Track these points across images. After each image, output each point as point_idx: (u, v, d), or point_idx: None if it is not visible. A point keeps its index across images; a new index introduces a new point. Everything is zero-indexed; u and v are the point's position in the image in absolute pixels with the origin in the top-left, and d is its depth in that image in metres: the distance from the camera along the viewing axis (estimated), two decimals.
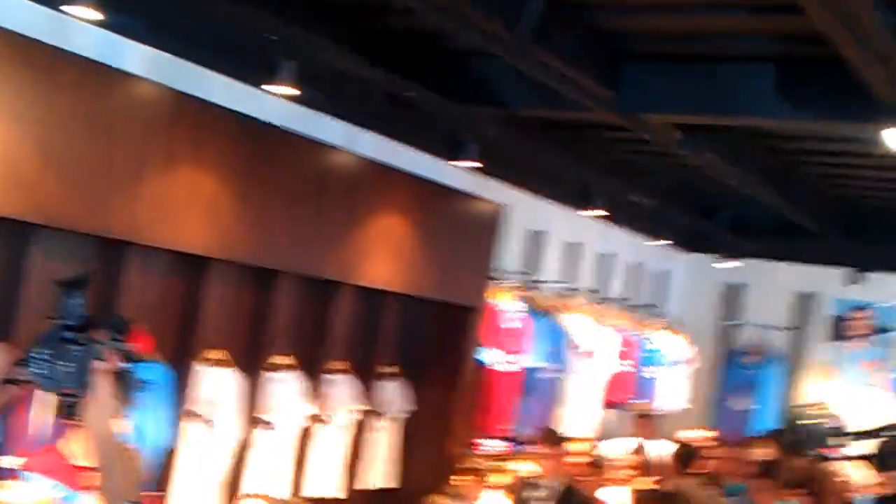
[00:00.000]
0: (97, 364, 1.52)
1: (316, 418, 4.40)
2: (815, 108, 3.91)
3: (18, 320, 3.24)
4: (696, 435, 6.15)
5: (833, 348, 7.68)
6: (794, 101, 3.87)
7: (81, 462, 3.25)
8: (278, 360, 4.24)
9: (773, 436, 5.55)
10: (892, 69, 3.22)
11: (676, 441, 5.48)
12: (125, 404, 1.57)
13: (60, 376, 1.49)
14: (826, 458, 5.09)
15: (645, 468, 4.87)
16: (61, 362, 1.49)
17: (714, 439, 6.36)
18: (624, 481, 4.98)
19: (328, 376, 4.49)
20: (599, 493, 4.66)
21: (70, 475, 3.17)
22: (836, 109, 3.86)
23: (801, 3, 2.85)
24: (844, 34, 2.99)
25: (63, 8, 3.16)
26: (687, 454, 4.85)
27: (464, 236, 5.01)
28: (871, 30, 2.91)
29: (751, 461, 4.78)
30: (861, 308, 7.60)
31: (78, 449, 3.23)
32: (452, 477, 4.74)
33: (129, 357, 1.56)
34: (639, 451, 5.90)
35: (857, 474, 4.00)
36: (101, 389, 1.52)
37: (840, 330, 7.67)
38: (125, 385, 1.56)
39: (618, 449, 5.76)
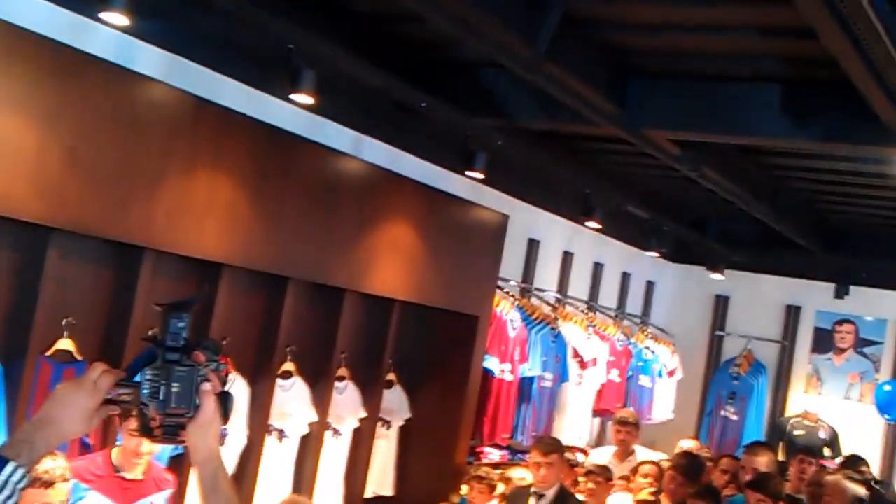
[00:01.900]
0: (204, 385, 1.56)
1: (323, 426, 4.41)
2: (820, 130, 3.99)
3: (36, 321, 3.23)
4: (691, 445, 6.22)
5: (818, 360, 7.82)
6: (799, 122, 3.95)
7: (129, 475, 3.26)
8: (286, 366, 4.25)
9: (768, 446, 5.63)
10: None
11: (680, 452, 5.51)
12: (224, 424, 1.61)
13: (169, 397, 1.52)
14: (826, 469, 5.18)
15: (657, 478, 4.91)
16: (169, 383, 1.52)
17: (708, 450, 6.44)
18: (627, 490, 5.02)
19: (335, 383, 4.50)
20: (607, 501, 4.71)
21: (116, 488, 3.17)
22: (841, 131, 3.95)
23: (816, 27, 2.94)
24: (855, 59, 3.07)
25: (89, 13, 3.17)
26: (694, 465, 4.88)
27: (470, 245, 5.05)
28: (883, 55, 2.99)
29: (748, 472, 4.85)
30: (846, 321, 7.75)
31: (125, 460, 3.23)
32: (461, 486, 4.77)
33: (223, 379, 1.60)
34: (627, 458, 5.94)
35: (859, 486, 4.09)
36: (207, 410, 1.56)
37: (825, 342, 7.81)
38: (224, 406, 1.59)
39: (600, 456, 5.81)
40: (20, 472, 1.44)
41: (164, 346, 1.54)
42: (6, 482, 1.42)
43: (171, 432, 1.55)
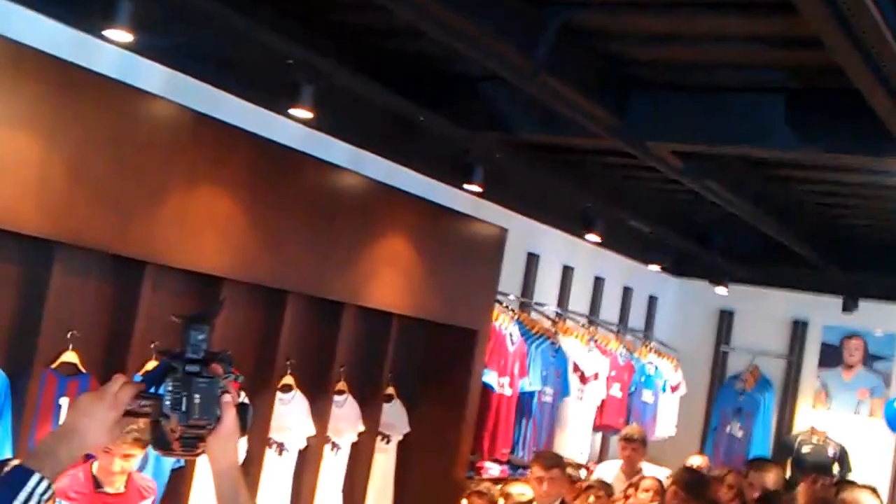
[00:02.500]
0: (224, 397, 1.56)
1: (322, 439, 4.40)
2: (826, 140, 3.93)
3: (40, 334, 3.26)
4: (699, 461, 6.17)
5: (826, 375, 7.75)
6: (805, 133, 3.90)
7: (110, 490, 3.25)
8: (285, 379, 4.24)
9: (774, 463, 5.57)
10: None
11: (683, 467, 5.46)
12: (242, 436, 1.62)
13: (192, 409, 1.53)
14: (835, 486, 5.12)
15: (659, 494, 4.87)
16: (191, 395, 1.53)
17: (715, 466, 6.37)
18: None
19: (334, 397, 4.49)
20: None
21: (97, 503, 3.16)
22: (847, 141, 3.89)
23: (822, 36, 2.90)
24: (863, 68, 3.02)
25: (92, 31, 3.19)
26: (697, 482, 4.83)
27: (468, 259, 5.04)
28: (891, 64, 2.94)
29: (755, 488, 4.79)
30: (854, 336, 7.68)
31: (104, 475, 3.22)
32: (461, 501, 4.74)
33: (239, 391, 1.61)
34: (634, 474, 5.89)
35: (871, 502, 4.03)
36: (227, 421, 1.57)
37: (833, 357, 7.74)
38: (243, 417, 1.60)
39: (607, 472, 5.77)
40: (45, 483, 1.45)
41: (183, 358, 1.54)
42: (31, 493, 1.43)
43: (191, 444, 1.55)
